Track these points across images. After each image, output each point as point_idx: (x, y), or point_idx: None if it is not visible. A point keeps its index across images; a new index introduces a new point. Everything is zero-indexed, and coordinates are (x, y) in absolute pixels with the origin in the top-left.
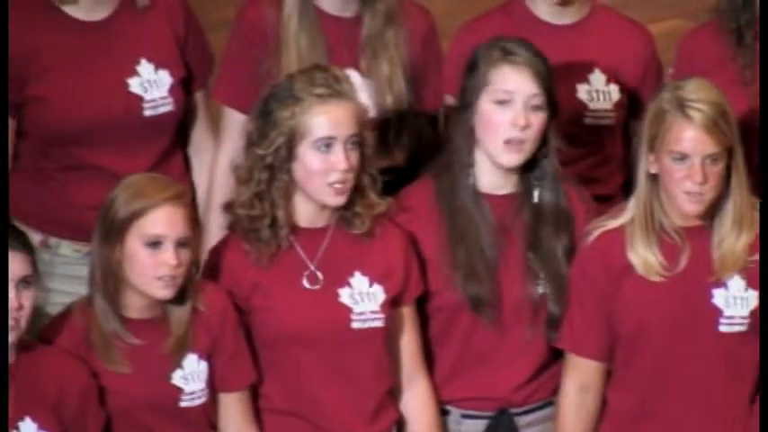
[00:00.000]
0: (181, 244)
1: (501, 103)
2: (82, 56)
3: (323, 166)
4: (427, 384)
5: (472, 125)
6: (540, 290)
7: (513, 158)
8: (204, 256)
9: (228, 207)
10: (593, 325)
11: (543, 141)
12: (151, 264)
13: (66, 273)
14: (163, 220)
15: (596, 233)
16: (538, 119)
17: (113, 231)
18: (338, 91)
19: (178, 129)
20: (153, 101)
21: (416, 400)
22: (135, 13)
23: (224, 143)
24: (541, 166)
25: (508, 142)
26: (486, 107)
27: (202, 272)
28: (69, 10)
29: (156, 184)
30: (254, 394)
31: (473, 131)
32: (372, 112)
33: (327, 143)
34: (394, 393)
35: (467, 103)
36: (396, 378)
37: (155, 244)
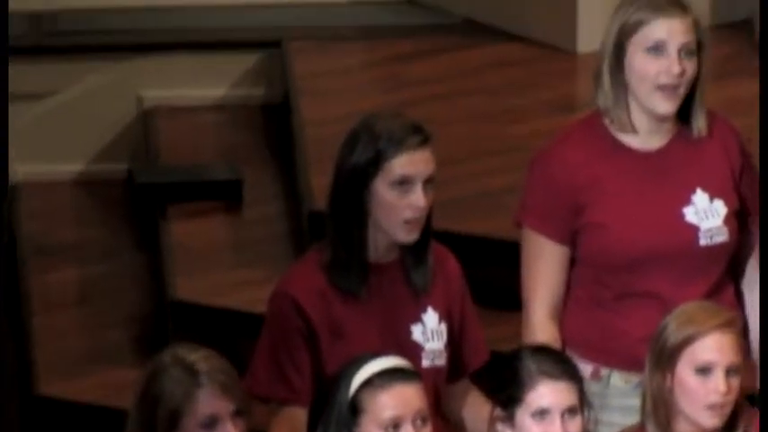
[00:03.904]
0: (732, 371)
1: None
2: (639, 184)
3: None
4: None
5: None
6: None
7: None
8: None
9: None
10: None
11: None
12: (702, 392)
13: (618, 404)
14: (713, 347)
15: None
16: None
17: (664, 358)
18: None
19: (731, 260)
20: (708, 230)
21: None
22: (690, 143)
23: None
24: None
25: None
26: None
27: None
28: (628, 140)
29: (706, 312)
30: None
31: None
32: None
33: None
34: None
35: None
36: None
37: (704, 370)
